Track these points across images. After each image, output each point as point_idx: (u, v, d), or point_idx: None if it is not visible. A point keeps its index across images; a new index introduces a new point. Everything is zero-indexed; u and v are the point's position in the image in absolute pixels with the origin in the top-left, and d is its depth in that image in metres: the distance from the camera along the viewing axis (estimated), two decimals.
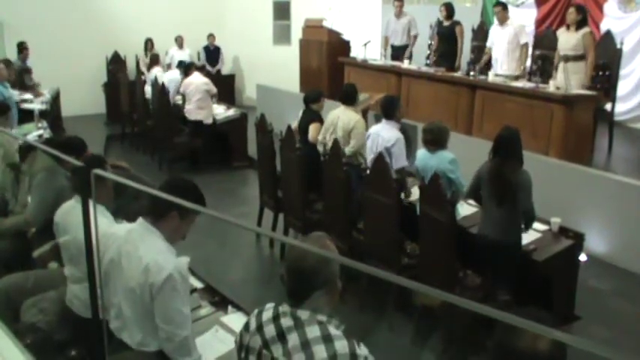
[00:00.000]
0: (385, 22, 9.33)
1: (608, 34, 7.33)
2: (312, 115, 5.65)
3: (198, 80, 8.05)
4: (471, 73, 7.14)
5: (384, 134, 4.87)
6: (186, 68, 8.41)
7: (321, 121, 5.64)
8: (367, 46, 8.73)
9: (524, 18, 9.07)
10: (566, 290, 4.08)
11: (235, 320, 2.87)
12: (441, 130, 4.32)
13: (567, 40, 6.57)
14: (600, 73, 6.75)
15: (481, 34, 8.60)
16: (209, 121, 8.08)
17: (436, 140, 4.30)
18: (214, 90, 8.11)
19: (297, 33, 10.56)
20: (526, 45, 7.21)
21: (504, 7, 7.26)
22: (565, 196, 5.29)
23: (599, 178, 5.42)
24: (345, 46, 9.46)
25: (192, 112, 8.04)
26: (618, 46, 6.91)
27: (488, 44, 7.55)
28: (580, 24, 6.53)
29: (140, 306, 2.42)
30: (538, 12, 9.16)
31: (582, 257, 4.22)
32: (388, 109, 4.96)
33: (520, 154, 3.79)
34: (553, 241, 4.09)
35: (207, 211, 1.44)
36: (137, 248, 2.44)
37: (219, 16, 12.11)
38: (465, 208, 4.52)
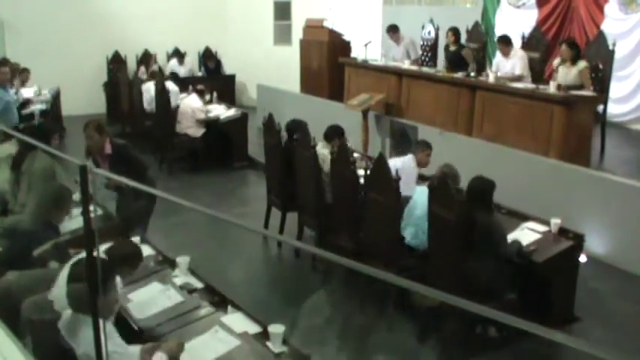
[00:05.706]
0: (385, 47, 9.32)
1: (601, 35, 7.29)
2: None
3: (189, 106, 8.10)
4: (472, 73, 7.14)
5: (399, 162, 4.91)
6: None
7: None
8: (368, 47, 8.73)
9: (524, 19, 9.07)
10: (565, 291, 4.09)
11: (235, 320, 2.87)
12: (456, 177, 4.29)
13: (566, 74, 6.62)
14: (593, 74, 6.74)
15: (475, 34, 8.58)
16: (197, 134, 8.09)
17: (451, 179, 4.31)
18: (201, 116, 8.10)
19: (297, 33, 10.54)
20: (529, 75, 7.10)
21: (506, 42, 7.20)
22: (565, 196, 5.28)
23: (599, 179, 5.42)
24: (345, 47, 9.43)
25: (182, 129, 8.14)
26: (610, 48, 6.86)
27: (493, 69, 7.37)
28: (575, 59, 6.57)
29: None
30: (539, 13, 9.15)
31: (582, 258, 4.22)
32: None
33: (490, 203, 3.96)
34: (553, 242, 4.10)
35: (211, 211, 1.44)
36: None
37: (220, 16, 12.10)
38: None
